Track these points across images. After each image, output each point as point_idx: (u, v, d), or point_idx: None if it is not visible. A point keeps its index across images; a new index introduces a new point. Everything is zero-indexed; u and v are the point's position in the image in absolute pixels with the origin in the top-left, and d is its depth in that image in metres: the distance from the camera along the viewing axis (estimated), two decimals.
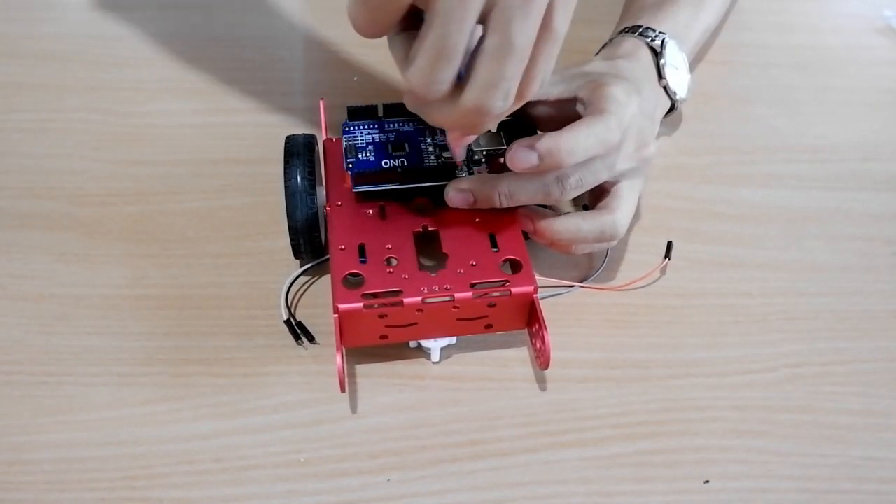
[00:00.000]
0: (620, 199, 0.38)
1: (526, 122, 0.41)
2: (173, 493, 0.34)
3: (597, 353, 0.39)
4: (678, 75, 0.44)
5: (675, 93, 0.44)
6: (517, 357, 0.38)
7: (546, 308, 0.39)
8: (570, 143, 0.35)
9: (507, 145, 0.36)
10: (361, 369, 0.38)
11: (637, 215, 0.44)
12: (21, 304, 0.39)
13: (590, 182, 0.37)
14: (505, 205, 0.37)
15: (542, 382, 0.38)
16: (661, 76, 0.43)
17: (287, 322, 0.38)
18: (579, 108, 0.38)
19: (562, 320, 0.40)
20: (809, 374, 0.38)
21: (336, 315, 0.34)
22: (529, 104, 0.38)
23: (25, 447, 0.35)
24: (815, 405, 0.37)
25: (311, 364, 0.37)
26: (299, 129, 0.39)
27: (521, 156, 0.35)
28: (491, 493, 0.34)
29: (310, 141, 0.39)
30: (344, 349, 0.35)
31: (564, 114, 0.39)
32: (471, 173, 0.39)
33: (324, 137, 0.41)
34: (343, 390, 0.34)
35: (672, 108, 0.45)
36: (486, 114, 0.32)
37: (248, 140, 0.48)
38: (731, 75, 0.53)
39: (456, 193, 0.37)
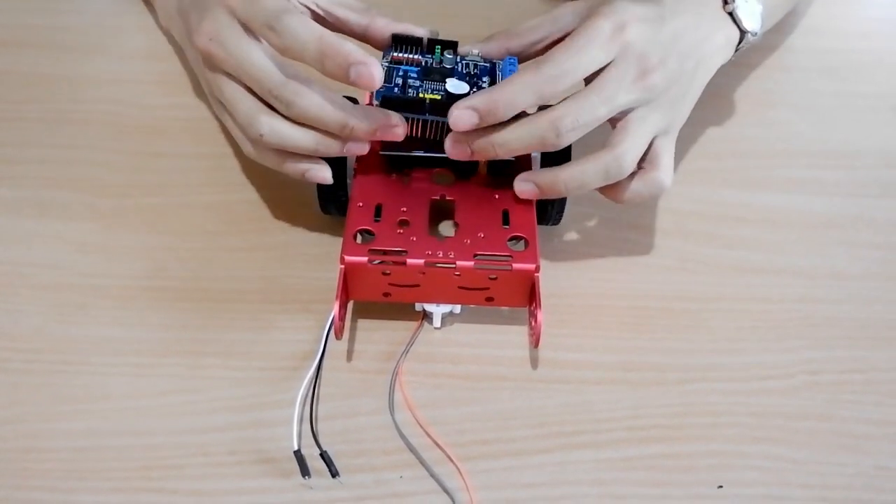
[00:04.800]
0: (625, 133, 0.36)
1: None
2: (188, 485, 0.34)
3: (613, 356, 0.39)
4: (748, 7, 0.41)
5: (746, 28, 0.41)
6: (532, 357, 0.38)
7: (563, 309, 0.40)
8: (507, 97, 0.35)
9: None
10: (378, 367, 0.38)
11: (655, 218, 0.44)
12: (41, 294, 0.40)
13: (587, 121, 0.35)
14: (502, 155, 0.37)
15: (557, 383, 0.37)
16: (726, 1, 0.41)
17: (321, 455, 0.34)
18: None
19: (578, 322, 0.40)
20: (827, 382, 0.38)
21: (342, 266, 0.35)
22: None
23: (43, 435, 0.35)
24: (833, 413, 0.37)
25: (326, 359, 0.37)
26: None
27: (463, 116, 0.35)
28: (503, 493, 0.34)
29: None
30: (349, 301, 0.37)
31: None
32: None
33: (366, 101, 0.42)
34: (339, 338, 0.36)
35: (741, 41, 0.42)
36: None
37: None
38: (755, 78, 0.53)
39: (454, 147, 0.37)
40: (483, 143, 0.36)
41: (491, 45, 0.40)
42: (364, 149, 0.37)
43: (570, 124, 0.35)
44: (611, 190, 0.38)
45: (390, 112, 0.36)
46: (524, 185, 0.38)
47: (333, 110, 0.35)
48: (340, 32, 0.39)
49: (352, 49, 0.34)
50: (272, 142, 0.36)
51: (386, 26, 0.38)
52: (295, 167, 0.37)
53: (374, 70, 0.33)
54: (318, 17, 0.39)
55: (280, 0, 0.35)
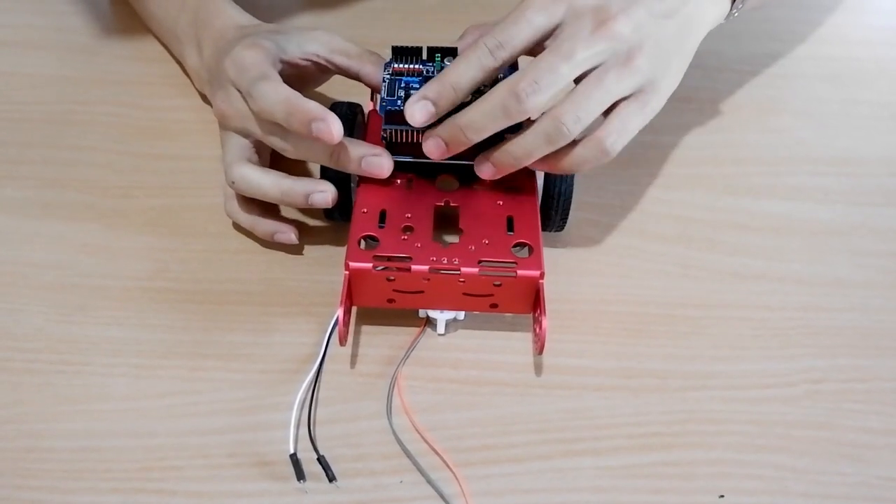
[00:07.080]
0: (570, 96, 0.35)
1: None
2: (187, 486, 0.34)
3: (613, 362, 0.39)
4: None
5: None
6: (534, 363, 0.38)
7: (564, 315, 0.39)
8: (452, 78, 0.35)
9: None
10: (378, 371, 0.38)
11: (657, 224, 0.44)
12: (43, 293, 0.40)
13: (549, 82, 0.34)
14: (474, 138, 0.36)
15: (557, 389, 0.37)
16: None
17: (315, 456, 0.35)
18: None
19: (579, 328, 0.40)
20: (829, 391, 0.38)
21: (347, 272, 0.36)
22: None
23: (44, 434, 0.35)
24: (834, 422, 0.37)
25: (327, 363, 0.37)
26: None
27: (417, 109, 0.36)
28: (503, 499, 0.34)
29: (353, 110, 0.41)
30: (352, 307, 0.37)
31: None
32: None
33: (370, 108, 0.43)
34: (343, 344, 0.36)
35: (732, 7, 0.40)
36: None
37: None
38: (757, 85, 0.53)
39: (427, 144, 0.37)
40: (450, 129, 0.36)
41: (467, 40, 0.40)
42: (326, 201, 0.38)
43: (528, 87, 0.34)
44: (553, 157, 0.37)
45: (379, 148, 0.38)
46: (482, 166, 0.38)
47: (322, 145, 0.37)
48: (343, 76, 0.43)
49: (313, 107, 0.36)
50: (241, 188, 0.39)
51: (373, 72, 0.42)
52: (265, 228, 0.41)
53: (331, 126, 0.35)
54: (321, 66, 0.42)
55: (259, 69, 0.38)
